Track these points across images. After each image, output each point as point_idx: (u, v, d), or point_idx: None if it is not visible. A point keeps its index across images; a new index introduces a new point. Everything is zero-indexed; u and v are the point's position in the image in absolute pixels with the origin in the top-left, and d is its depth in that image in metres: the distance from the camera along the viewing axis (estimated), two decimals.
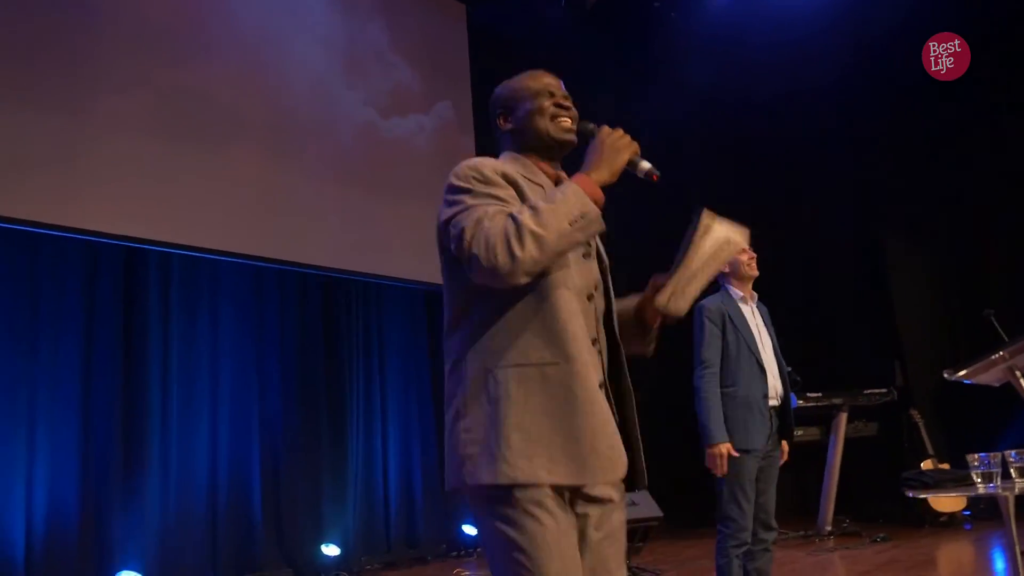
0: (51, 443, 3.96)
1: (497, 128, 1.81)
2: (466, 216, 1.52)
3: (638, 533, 4.82)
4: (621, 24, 6.92)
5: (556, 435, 1.50)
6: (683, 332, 3.39)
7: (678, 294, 1.64)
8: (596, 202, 1.54)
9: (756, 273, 3.28)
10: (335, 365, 5.34)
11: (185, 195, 4.46)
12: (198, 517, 4.45)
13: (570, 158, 1.73)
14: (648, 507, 4.87)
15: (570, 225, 1.49)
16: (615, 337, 1.69)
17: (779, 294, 6.76)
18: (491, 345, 1.56)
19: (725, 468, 3.00)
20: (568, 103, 1.77)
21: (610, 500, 1.61)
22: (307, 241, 5.02)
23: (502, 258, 1.45)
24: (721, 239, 1.63)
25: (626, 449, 1.61)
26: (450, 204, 1.58)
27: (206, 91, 4.67)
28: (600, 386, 1.59)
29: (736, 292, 3.25)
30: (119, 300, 4.35)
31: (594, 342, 1.61)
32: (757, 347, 3.16)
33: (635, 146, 1.63)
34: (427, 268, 5.47)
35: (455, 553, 5.46)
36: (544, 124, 1.73)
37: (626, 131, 1.63)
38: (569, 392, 1.52)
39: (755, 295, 3.30)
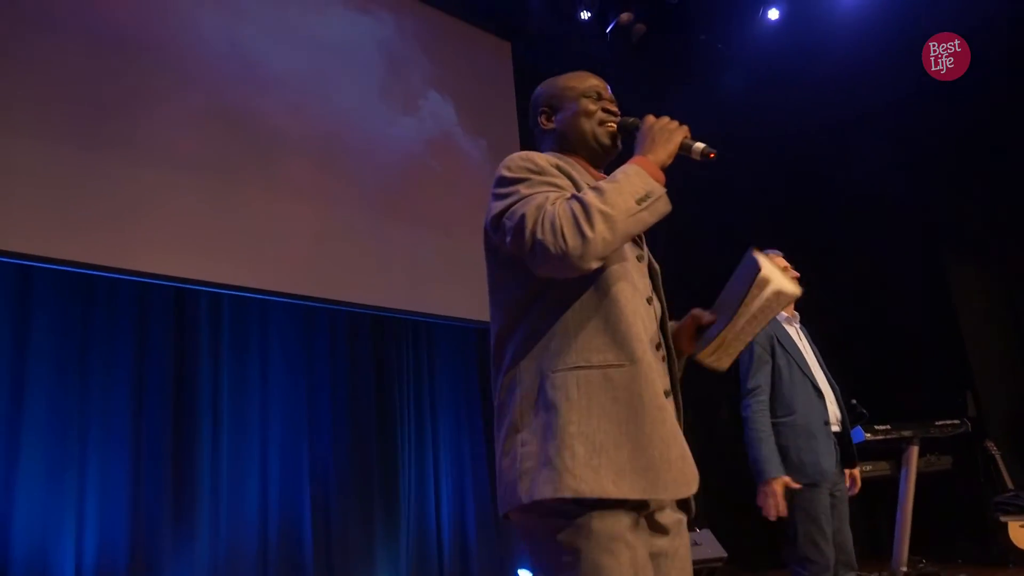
0: (101, 484, 3.94)
1: (538, 127, 1.72)
2: (524, 204, 1.41)
3: (701, 575, 4.63)
4: (667, 58, 6.88)
5: (623, 444, 1.35)
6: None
7: (722, 351, 1.52)
8: (661, 181, 1.44)
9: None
10: (386, 405, 5.27)
11: (235, 236, 4.48)
12: (249, 558, 4.37)
13: (613, 165, 1.65)
14: (711, 547, 4.68)
15: (637, 204, 1.39)
16: (671, 347, 1.56)
17: (842, 325, 6.60)
18: (548, 348, 1.42)
19: (782, 508, 2.76)
20: (615, 107, 1.68)
21: (674, 527, 1.46)
22: (356, 280, 5.00)
23: (572, 240, 1.33)
24: (773, 293, 1.49)
25: None
26: (502, 197, 1.46)
27: (254, 130, 4.71)
28: (667, 394, 1.46)
29: (780, 313, 3.08)
30: (170, 341, 4.35)
31: (658, 347, 1.48)
32: (810, 370, 2.96)
33: (685, 128, 1.54)
34: (477, 305, 5.45)
35: None
36: (591, 127, 1.65)
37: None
38: (636, 397, 1.38)
39: (797, 315, 3.12)
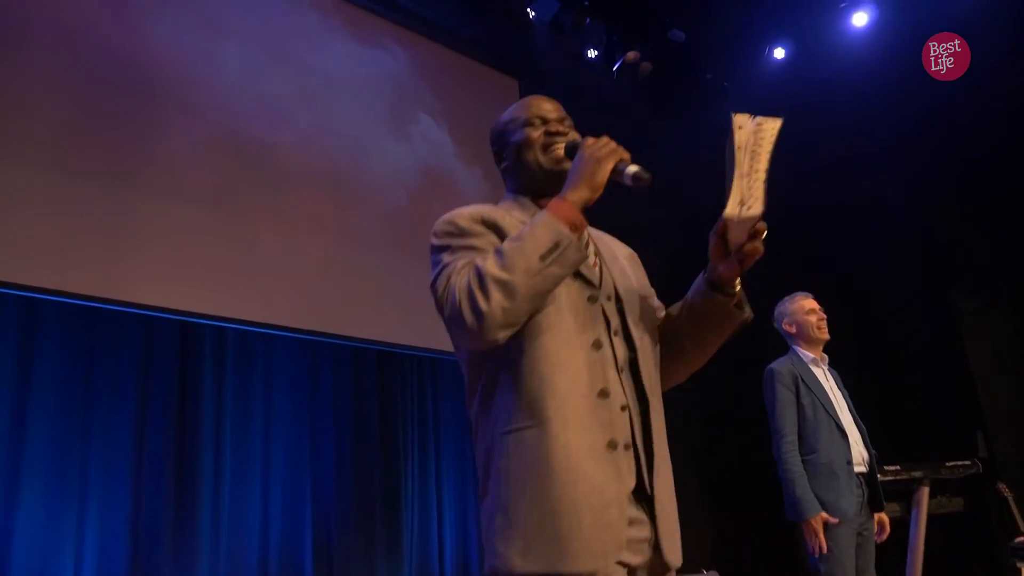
0: (101, 521, 3.89)
1: (499, 169, 1.67)
2: (441, 277, 1.39)
3: None
4: (673, 96, 6.92)
5: (532, 513, 1.28)
6: (759, 396, 3.23)
7: (746, 198, 1.37)
8: (575, 226, 1.33)
9: (827, 336, 3.13)
10: (389, 441, 5.22)
11: (240, 269, 4.48)
12: None
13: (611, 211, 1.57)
14: None
15: (541, 260, 1.29)
16: (644, 391, 1.44)
17: (848, 363, 6.52)
18: (491, 413, 1.38)
19: (824, 543, 2.77)
20: (563, 127, 1.57)
21: None
22: (361, 314, 4.99)
23: (468, 316, 1.29)
24: (752, 127, 1.38)
25: (654, 524, 1.37)
26: (432, 265, 1.44)
27: (261, 162, 4.73)
28: (626, 447, 1.35)
29: (806, 355, 3.10)
30: (173, 375, 4.33)
31: (602, 393, 1.36)
32: (834, 410, 2.98)
33: (620, 152, 1.42)
34: None
35: None
36: (534, 157, 1.56)
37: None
38: (543, 460, 1.29)
39: (826, 358, 3.15)
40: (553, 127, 1.60)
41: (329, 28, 5.37)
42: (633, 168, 1.44)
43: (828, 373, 3.17)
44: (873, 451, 5.05)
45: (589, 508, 1.28)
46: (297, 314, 4.69)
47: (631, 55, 6.53)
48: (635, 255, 1.71)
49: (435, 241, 1.47)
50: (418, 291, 5.24)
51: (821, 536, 2.79)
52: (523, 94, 6.43)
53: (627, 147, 1.53)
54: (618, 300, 1.52)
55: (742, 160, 1.38)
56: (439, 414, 5.61)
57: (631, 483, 1.36)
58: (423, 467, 5.38)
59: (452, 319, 1.33)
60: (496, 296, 1.28)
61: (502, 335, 1.31)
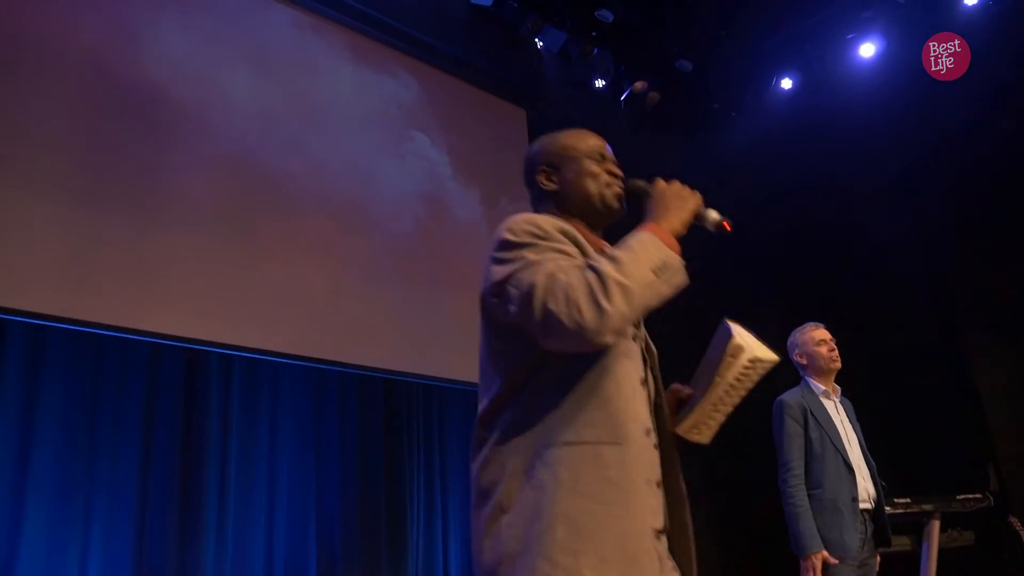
0: (105, 548, 3.86)
1: (534, 185, 1.64)
2: (533, 272, 1.31)
3: None
4: (680, 126, 6.94)
5: (610, 527, 1.26)
6: (767, 430, 3.20)
7: (701, 425, 1.46)
8: (675, 251, 1.36)
9: (839, 366, 3.10)
10: (395, 469, 5.18)
11: (247, 297, 4.48)
12: None
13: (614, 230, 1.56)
14: None
15: (654, 275, 1.29)
16: (665, 429, 1.47)
17: (858, 395, 6.47)
18: (543, 424, 1.33)
19: None
20: (619, 169, 1.62)
21: None
22: (368, 342, 4.97)
23: (588, 314, 1.24)
24: (746, 363, 1.42)
25: (678, 560, 1.39)
26: (505, 262, 1.37)
27: (268, 191, 4.75)
28: (657, 484, 1.37)
29: (818, 386, 3.06)
30: (179, 403, 4.30)
31: (647, 432, 1.39)
32: (843, 445, 2.94)
33: (698, 196, 1.46)
34: None
35: None
36: (597, 189, 1.57)
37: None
38: (628, 479, 1.29)
39: (838, 389, 3.11)
40: (611, 167, 1.63)
41: (337, 56, 5.41)
42: (715, 214, 1.49)
43: (840, 405, 3.14)
44: (883, 484, 5.01)
45: (649, 536, 1.32)
46: (303, 342, 4.68)
47: (638, 85, 6.56)
48: None
49: (513, 238, 1.41)
50: (426, 319, 5.25)
51: (818, 573, 2.76)
52: (530, 123, 6.47)
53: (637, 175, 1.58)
54: (647, 344, 1.56)
55: (715, 390, 1.44)
56: (445, 442, 5.57)
57: (662, 520, 1.39)
58: (429, 496, 5.34)
59: (558, 315, 1.25)
60: (618, 298, 1.25)
61: (611, 339, 1.28)
